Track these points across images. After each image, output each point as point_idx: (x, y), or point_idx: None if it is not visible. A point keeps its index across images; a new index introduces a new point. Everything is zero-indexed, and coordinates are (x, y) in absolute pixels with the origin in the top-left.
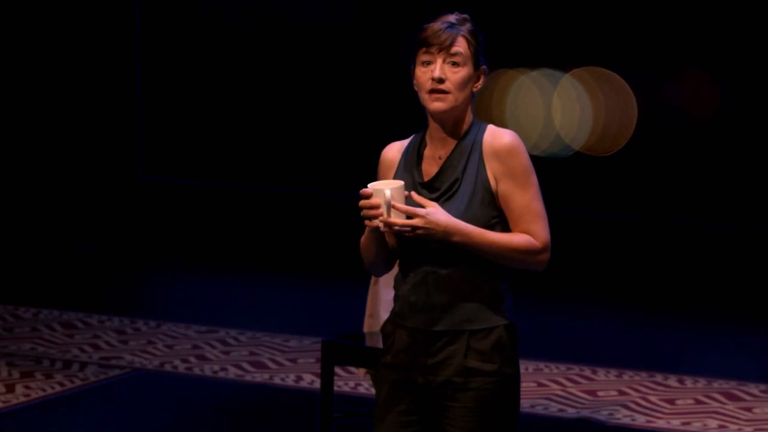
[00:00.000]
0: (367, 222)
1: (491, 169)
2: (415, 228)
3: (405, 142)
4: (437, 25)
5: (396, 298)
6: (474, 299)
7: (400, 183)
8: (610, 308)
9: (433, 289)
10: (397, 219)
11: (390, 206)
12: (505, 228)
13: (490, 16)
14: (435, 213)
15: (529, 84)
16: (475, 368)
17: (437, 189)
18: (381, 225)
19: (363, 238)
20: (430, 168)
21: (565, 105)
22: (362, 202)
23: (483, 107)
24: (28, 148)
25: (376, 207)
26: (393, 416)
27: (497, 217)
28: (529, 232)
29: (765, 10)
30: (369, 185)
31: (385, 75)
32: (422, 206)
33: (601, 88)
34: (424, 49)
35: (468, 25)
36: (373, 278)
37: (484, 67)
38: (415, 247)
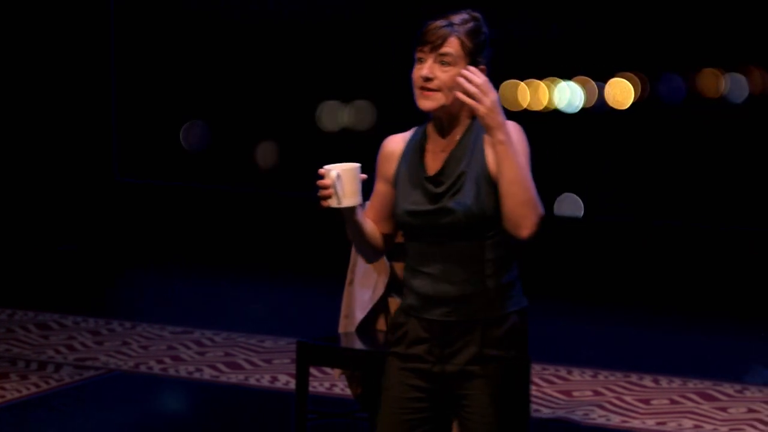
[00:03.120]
0: (321, 202)
1: (490, 154)
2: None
3: (406, 135)
4: (434, 24)
5: (407, 289)
6: (487, 289)
7: (354, 165)
8: (585, 308)
9: (446, 281)
10: (341, 202)
11: (338, 187)
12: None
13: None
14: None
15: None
16: (491, 355)
17: (442, 183)
18: (332, 204)
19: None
20: (433, 162)
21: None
22: (317, 182)
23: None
24: (2, 149)
25: (328, 187)
26: (404, 403)
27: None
28: None
29: None
30: (325, 166)
31: (379, 72)
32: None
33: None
34: (419, 47)
35: (469, 25)
36: (348, 278)
37: (483, 66)
38: (425, 239)
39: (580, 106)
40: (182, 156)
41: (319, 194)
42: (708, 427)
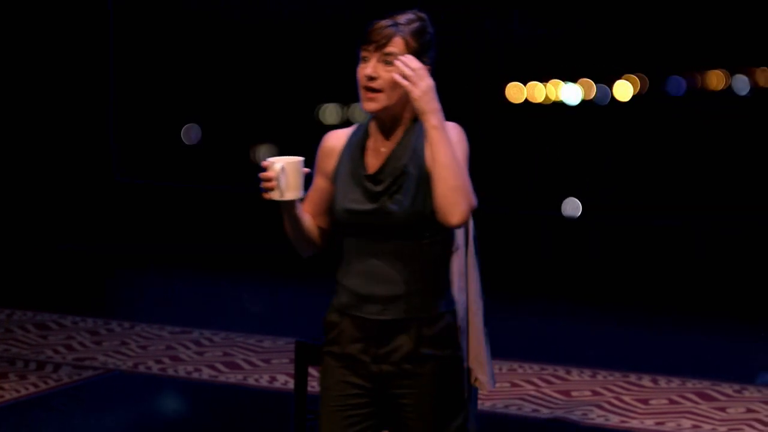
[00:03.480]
0: (263, 194)
1: (430, 153)
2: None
3: (348, 131)
4: (380, 23)
5: (341, 288)
6: (422, 289)
7: (298, 159)
8: (584, 308)
9: (381, 280)
10: (284, 195)
11: (282, 180)
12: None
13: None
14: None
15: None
16: (426, 354)
17: (382, 182)
18: (275, 196)
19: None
20: (374, 160)
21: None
22: (260, 174)
23: None
24: (2, 150)
25: (271, 180)
26: (343, 400)
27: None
28: None
29: None
30: (268, 159)
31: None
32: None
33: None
34: (363, 46)
35: (415, 25)
36: None
37: (428, 66)
38: (363, 237)
39: (581, 97)
40: (182, 156)
41: (261, 186)
42: (706, 427)
